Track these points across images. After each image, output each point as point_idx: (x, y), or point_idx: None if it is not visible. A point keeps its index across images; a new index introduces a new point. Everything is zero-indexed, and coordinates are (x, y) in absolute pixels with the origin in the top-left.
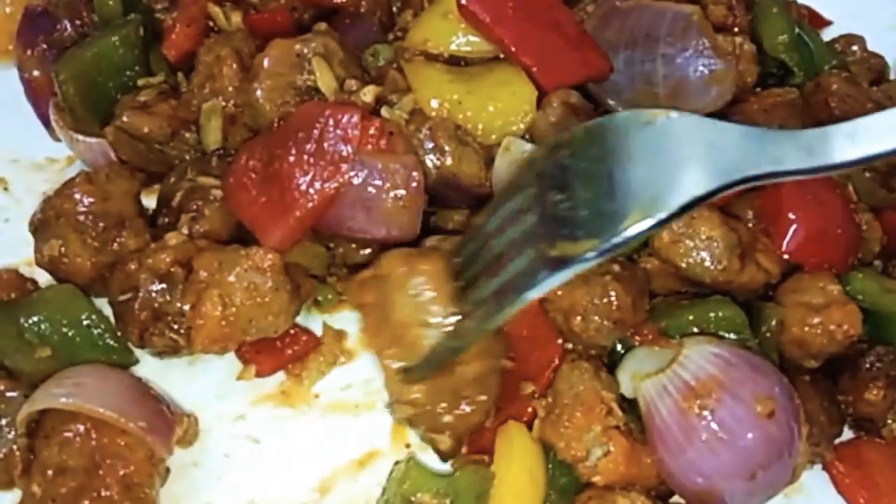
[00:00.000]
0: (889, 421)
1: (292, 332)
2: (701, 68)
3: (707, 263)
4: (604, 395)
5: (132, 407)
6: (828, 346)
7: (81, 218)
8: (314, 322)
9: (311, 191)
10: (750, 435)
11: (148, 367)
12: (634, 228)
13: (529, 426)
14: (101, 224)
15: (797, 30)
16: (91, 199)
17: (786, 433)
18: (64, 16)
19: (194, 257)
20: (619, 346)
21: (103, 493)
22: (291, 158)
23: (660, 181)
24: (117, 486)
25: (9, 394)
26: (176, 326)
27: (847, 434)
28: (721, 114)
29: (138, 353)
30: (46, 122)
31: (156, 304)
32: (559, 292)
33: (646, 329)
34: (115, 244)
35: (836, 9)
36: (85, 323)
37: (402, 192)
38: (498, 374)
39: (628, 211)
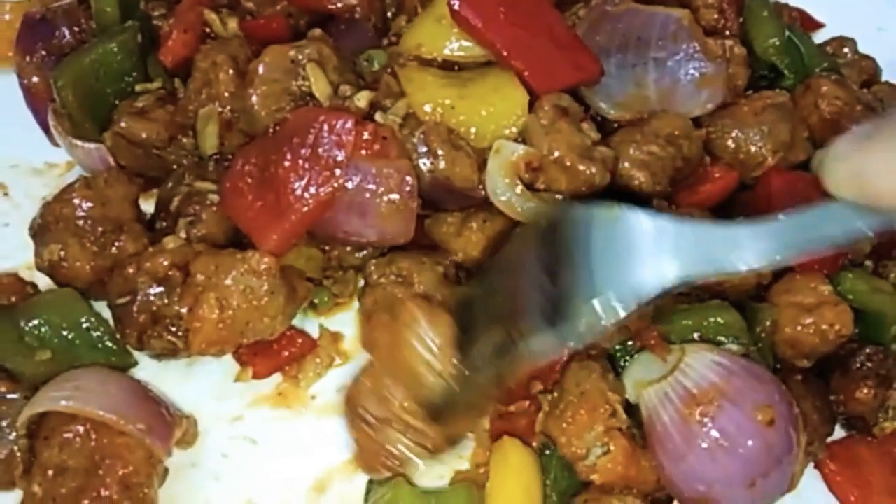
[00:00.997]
0: (880, 419)
1: (289, 334)
2: (692, 71)
3: None
4: (609, 396)
5: (132, 409)
6: (820, 345)
7: (80, 222)
8: (310, 324)
9: (307, 195)
10: (750, 442)
11: (147, 369)
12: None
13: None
14: (100, 228)
15: (788, 33)
16: (90, 204)
17: (785, 441)
18: (63, 23)
19: (192, 261)
20: (623, 353)
21: (103, 493)
22: (287, 163)
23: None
24: (116, 486)
25: (9, 396)
26: (174, 329)
27: (839, 433)
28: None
29: (137, 355)
30: (46, 128)
31: (154, 307)
32: None
33: (647, 333)
34: (114, 248)
35: (827, 11)
36: (84, 326)
37: (396, 196)
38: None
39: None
